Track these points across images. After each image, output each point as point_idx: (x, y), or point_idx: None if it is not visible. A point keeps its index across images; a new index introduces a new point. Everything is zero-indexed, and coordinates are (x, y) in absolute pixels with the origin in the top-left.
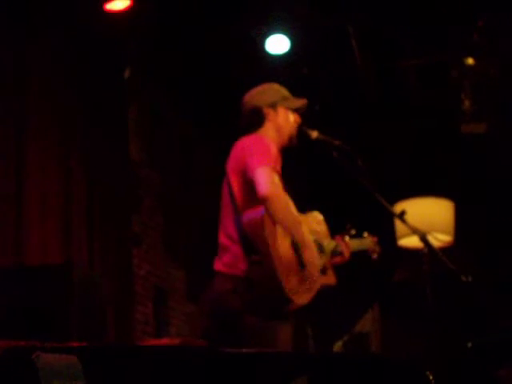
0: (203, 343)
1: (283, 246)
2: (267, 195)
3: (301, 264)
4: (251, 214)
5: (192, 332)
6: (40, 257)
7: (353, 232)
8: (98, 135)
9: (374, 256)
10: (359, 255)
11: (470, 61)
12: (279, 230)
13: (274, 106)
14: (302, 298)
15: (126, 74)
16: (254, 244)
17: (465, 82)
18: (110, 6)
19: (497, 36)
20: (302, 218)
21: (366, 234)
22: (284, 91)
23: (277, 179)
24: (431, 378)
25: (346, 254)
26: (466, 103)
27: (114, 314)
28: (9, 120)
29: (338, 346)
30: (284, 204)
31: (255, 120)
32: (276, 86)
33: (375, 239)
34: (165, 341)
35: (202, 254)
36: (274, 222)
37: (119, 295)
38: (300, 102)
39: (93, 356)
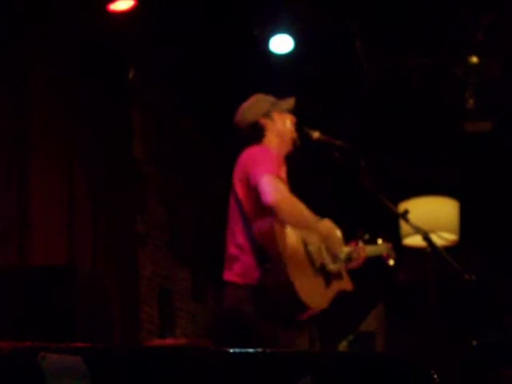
0: (208, 343)
1: (297, 253)
2: (273, 203)
3: (315, 269)
4: (261, 224)
5: (197, 332)
6: (44, 258)
7: (366, 237)
8: (101, 135)
9: (391, 262)
10: (372, 260)
11: (474, 59)
12: (291, 236)
13: (267, 114)
14: (319, 304)
15: (130, 74)
16: (266, 253)
17: (468, 81)
18: (113, 7)
19: (500, 34)
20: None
21: (380, 241)
22: (270, 98)
23: (282, 185)
24: (436, 376)
25: (361, 259)
26: (470, 102)
27: (119, 314)
28: (12, 121)
29: (343, 346)
30: (292, 207)
31: (255, 134)
32: (261, 96)
33: (390, 245)
34: (170, 341)
35: (206, 254)
36: (284, 229)
37: (124, 295)
38: (289, 102)
39: (98, 357)
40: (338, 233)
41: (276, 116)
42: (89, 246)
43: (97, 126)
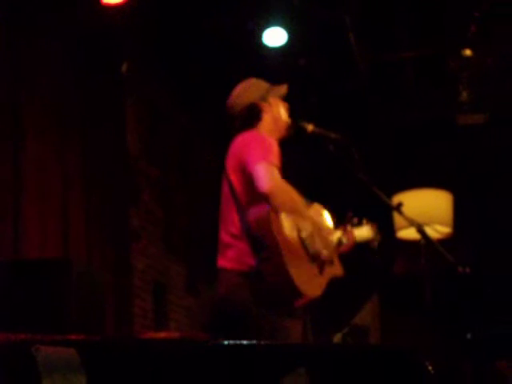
0: (203, 336)
1: (291, 240)
2: (268, 191)
3: (309, 256)
4: (256, 212)
5: (191, 326)
6: (38, 252)
7: (355, 221)
8: (95, 130)
9: (375, 244)
10: (360, 246)
11: (468, 52)
12: (286, 224)
13: (264, 98)
14: (314, 291)
15: (124, 68)
16: (261, 241)
17: (462, 73)
18: (106, 0)
19: (494, 26)
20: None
21: (365, 222)
22: (264, 83)
23: (276, 173)
24: (430, 368)
25: (351, 243)
26: (464, 94)
27: (113, 308)
28: (5, 114)
29: (337, 339)
30: (286, 195)
31: (251, 117)
32: (256, 80)
33: (375, 226)
34: (163, 334)
35: (201, 248)
36: (279, 217)
37: (118, 289)
38: (284, 88)
39: (91, 349)
40: (328, 217)
41: (272, 101)
42: (83, 241)
43: (90, 120)
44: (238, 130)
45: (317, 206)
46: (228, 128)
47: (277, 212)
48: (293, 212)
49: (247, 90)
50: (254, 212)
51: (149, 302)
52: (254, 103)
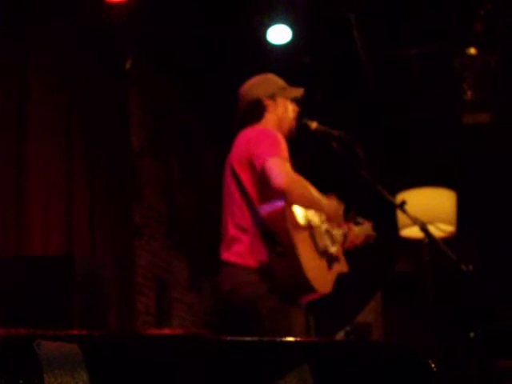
0: (205, 333)
1: (304, 237)
2: (284, 187)
3: (318, 252)
4: (270, 206)
5: (193, 322)
6: (42, 248)
7: (358, 219)
8: (99, 126)
9: (370, 240)
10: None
11: (472, 50)
12: (299, 219)
13: (273, 97)
14: (325, 287)
15: (128, 64)
16: (276, 236)
17: (467, 72)
18: None
19: (499, 26)
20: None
21: (361, 220)
22: (280, 81)
23: (289, 167)
24: (433, 366)
25: (360, 238)
26: (468, 93)
27: (116, 304)
28: (9, 110)
29: (339, 336)
30: (301, 189)
31: (255, 112)
32: (272, 77)
33: (371, 224)
34: (166, 331)
35: (204, 244)
36: (293, 212)
37: (121, 286)
38: (298, 91)
39: (94, 344)
40: (341, 211)
41: (280, 101)
42: (86, 237)
43: (94, 116)
44: (239, 123)
45: (333, 199)
46: (233, 116)
47: (291, 208)
48: (308, 206)
49: (258, 85)
50: (268, 207)
51: (151, 299)
52: (259, 100)
